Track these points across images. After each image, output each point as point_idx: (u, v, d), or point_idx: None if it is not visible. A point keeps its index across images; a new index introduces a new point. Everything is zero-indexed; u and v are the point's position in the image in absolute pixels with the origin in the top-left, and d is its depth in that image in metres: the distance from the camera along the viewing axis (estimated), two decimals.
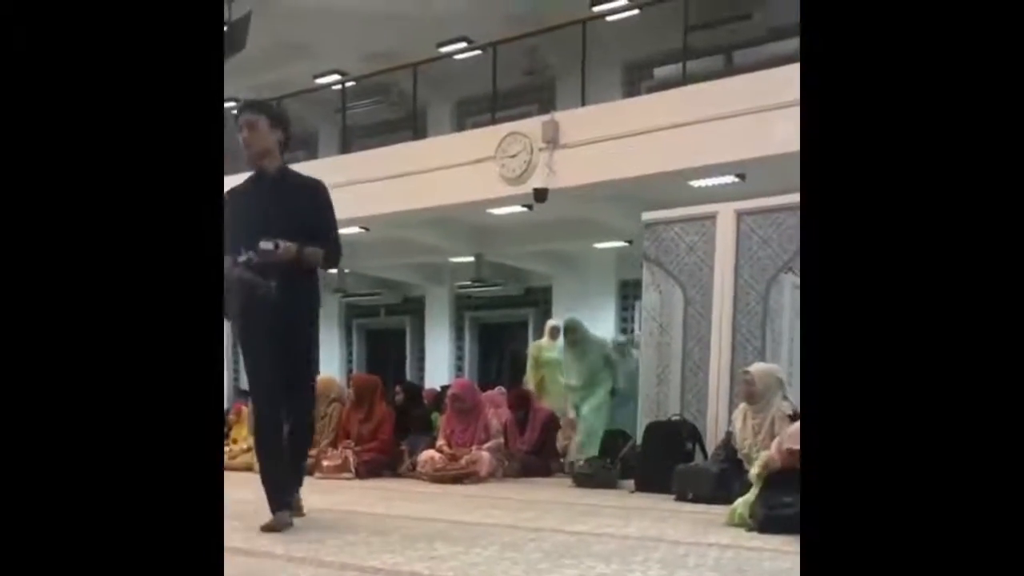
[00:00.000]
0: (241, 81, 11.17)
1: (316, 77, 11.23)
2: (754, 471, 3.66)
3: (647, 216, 5.40)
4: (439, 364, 12.85)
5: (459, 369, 12.85)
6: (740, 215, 5.05)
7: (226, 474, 6.19)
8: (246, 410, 7.12)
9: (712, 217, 5.14)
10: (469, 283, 11.76)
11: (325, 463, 5.90)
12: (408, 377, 12.50)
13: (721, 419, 5.02)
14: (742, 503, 3.57)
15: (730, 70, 7.96)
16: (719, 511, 3.80)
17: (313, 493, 4.84)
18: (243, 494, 4.82)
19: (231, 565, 2.48)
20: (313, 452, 6.12)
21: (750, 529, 3.39)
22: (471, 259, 11.11)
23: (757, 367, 4.39)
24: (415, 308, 13.54)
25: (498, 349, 13.34)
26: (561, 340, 6.66)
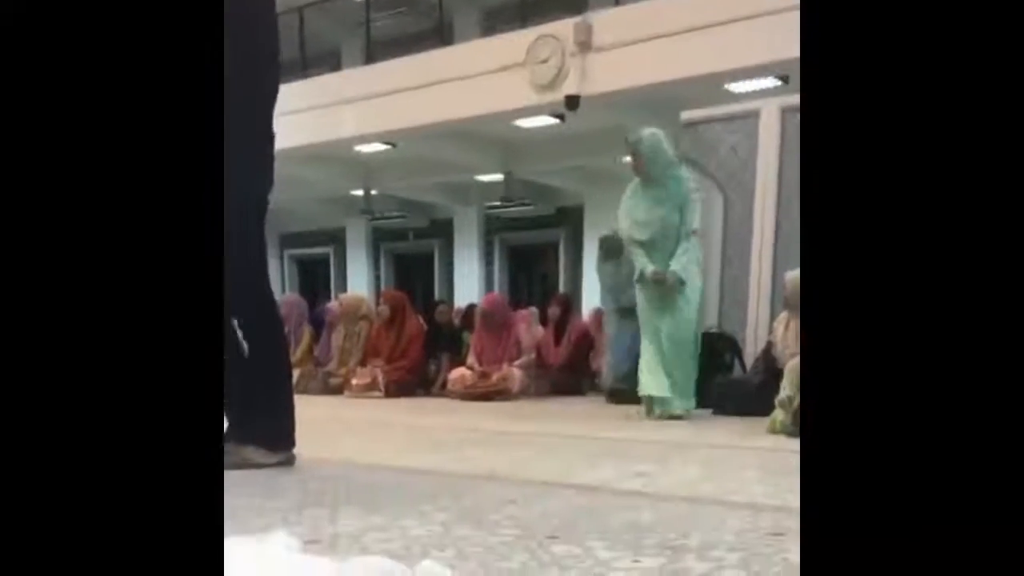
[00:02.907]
0: None
1: None
2: (788, 376, 3.53)
3: (686, 115, 5.10)
4: (468, 288, 12.72)
5: (488, 290, 12.73)
6: (785, 112, 4.73)
7: None
8: None
9: (755, 115, 4.84)
10: (498, 203, 11.52)
11: (354, 381, 5.86)
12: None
13: (761, 330, 4.82)
14: (781, 410, 3.43)
15: None
16: (759, 422, 3.66)
17: (343, 408, 4.82)
18: None
19: (248, 476, 2.38)
20: (342, 371, 6.10)
21: (791, 435, 3.25)
22: (499, 177, 10.84)
23: (797, 272, 4.19)
24: (443, 231, 13.35)
25: (528, 271, 13.17)
26: None
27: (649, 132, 4.22)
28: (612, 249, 5.68)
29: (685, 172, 4.21)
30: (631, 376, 5.45)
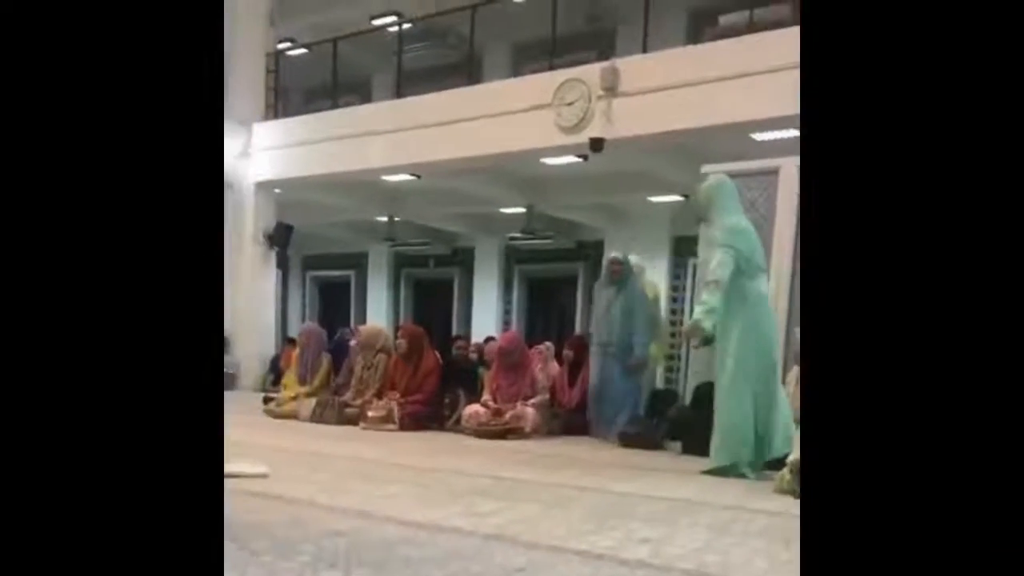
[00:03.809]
0: (298, 21, 11.10)
1: (373, 19, 11.05)
2: (797, 437, 3.54)
3: (707, 168, 5.16)
4: (486, 316, 12.79)
5: (506, 323, 12.79)
6: None
7: (271, 421, 6.28)
8: (294, 356, 7.19)
9: (775, 172, 4.90)
10: (519, 235, 11.62)
11: (370, 413, 5.92)
12: (455, 329, 12.50)
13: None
14: (789, 472, 3.44)
15: (798, 18, 7.55)
16: (770, 475, 3.70)
17: (359, 442, 4.89)
18: (288, 442, 4.87)
19: (275, 511, 2.46)
20: (358, 402, 6.18)
21: (798, 496, 3.27)
22: (522, 210, 10.94)
23: None
24: (464, 259, 13.47)
25: (547, 302, 13.23)
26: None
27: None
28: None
29: (730, 220, 3.98)
30: (639, 420, 5.51)
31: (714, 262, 3.90)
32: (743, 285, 3.89)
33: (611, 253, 6.15)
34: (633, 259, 6.11)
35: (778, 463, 3.75)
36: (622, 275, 5.79)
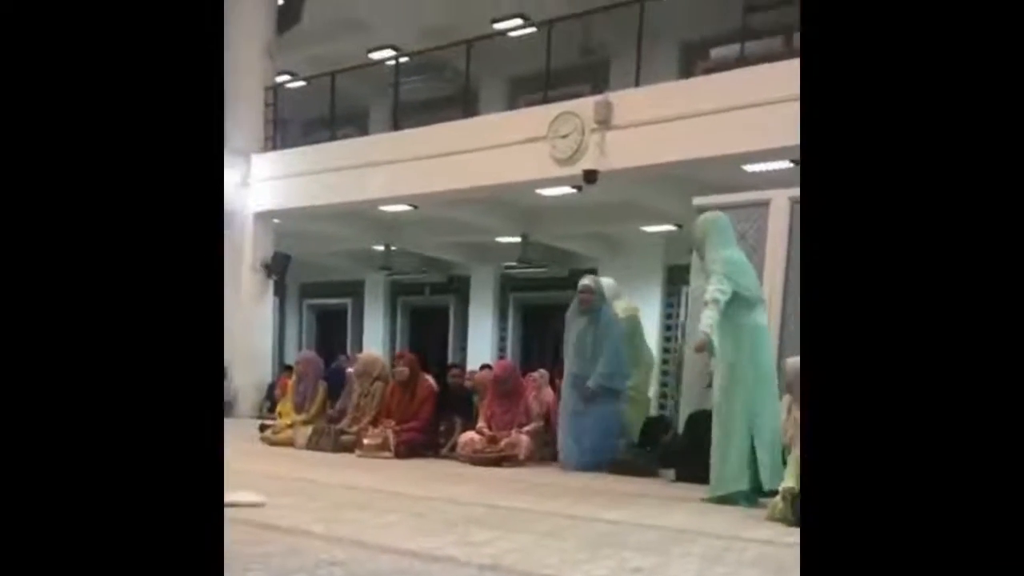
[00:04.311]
0: (297, 55, 11.27)
1: (370, 52, 11.23)
2: (790, 466, 3.59)
3: (698, 201, 5.27)
4: (482, 344, 12.86)
5: (502, 350, 12.85)
6: (794, 203, 4.89)
7: (268, 448, 6.30)
8: (291, 384, 7.22)
9: (766, 204, 5.00)
10: (515, 264, 11.72)
11: (366, 441, 5.95)
12: (450, 357, 12.55)
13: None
14: (782, 500, 3.48)
15: (789, 51, 7.71)
16: (763, 502, 3.74)
17: (356, 471, 4.92)
18: (284, 470, 4.89)
19: (271, 541, 2.50)
20: (354, 429, 6.21)
21: (790, 524, 3.31)
22: (517, 239, 11.05)
23: (797, 359, 4.28)
24: (460, 287, 13.56)
25: (541, 329, 13.29)
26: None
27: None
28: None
29: (725, 253, 4.06)
30: (634, 447, 5.53)
31: (711, 285, 3.96)
32: (741, 316, 3.96)
33: (583, 280, 5.85)
34: (607, 283, 5.99)
35: (771, 492, 3.81)
36: (592, 304, 5.60)
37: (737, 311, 3.94)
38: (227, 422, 9.19)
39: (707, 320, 3.92)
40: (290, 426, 6.67)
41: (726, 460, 3.99)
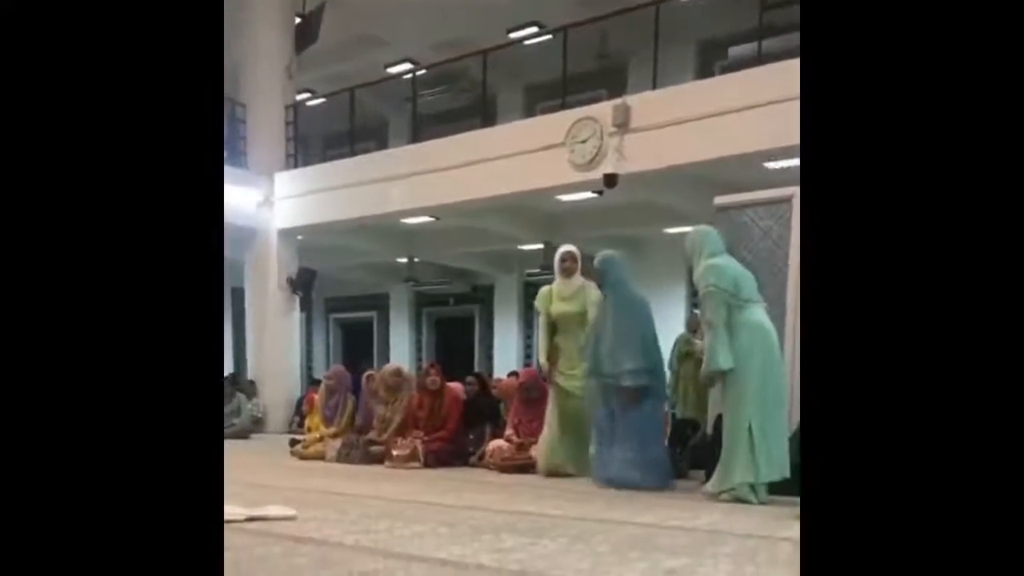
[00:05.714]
0: (315, 73, 11.40)
1: (387, 67, 11.32)
2: None
3: (719, 200, 5.23)
4: (508, 352, 12.87)
5: (528, 357, 12.83)
6: None
7: (298, 462, 6.35)
8: (319, 398, 7.28)
9: (788, 200, 4.94)
10: (538, 271, 11.71)
11: (395, 452, 5.97)
12: (476, 366, 12.57)
13: (795, 409, 4.84)
14: None
15: None
16: (791, 502, 3.69)
17: (385, 482, 4.94)
18: (315, 483, 4.93)
19: (303, 555, 2.52)
20: (383, 439, 6.23)
21: None
22: (540, 246, 11.06)
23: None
24: (484, 296, 13.58)
25: None
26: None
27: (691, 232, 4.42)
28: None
29: (706, 262, 4.20)
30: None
31: (704, 308, 4.19)
32: (732, 318, 4.08)
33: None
34: (608, 255, 5.16)
35: (781, 485, 3.93)
36: (602, 278, 4.98)
37: (728, 313, 4.08)
38: (257, 438, 9.28)
39: (709, 351, 4.09)
40: (320, 440, 6.72)
41: (726, 455, 4.10)
